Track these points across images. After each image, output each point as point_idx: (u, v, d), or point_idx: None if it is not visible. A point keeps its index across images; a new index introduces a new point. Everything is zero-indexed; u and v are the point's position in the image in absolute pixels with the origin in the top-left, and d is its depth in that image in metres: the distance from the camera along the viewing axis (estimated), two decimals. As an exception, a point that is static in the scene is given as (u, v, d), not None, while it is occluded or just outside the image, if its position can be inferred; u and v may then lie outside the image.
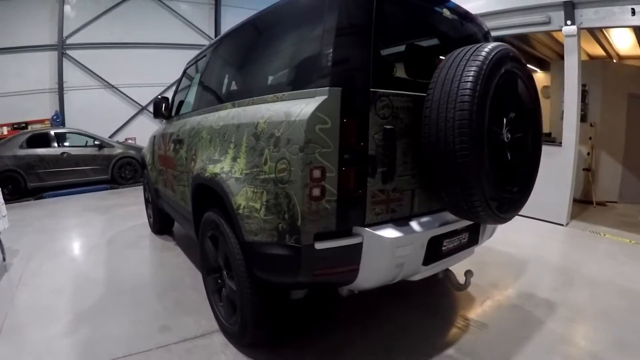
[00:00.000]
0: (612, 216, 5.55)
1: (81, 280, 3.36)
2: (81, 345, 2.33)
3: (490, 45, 1.78)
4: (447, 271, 2.46)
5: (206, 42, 12.43)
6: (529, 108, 2.00)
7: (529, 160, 2.06)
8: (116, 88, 11.21)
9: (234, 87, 2.64)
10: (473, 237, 2.26)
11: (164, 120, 3.92)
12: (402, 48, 1.96)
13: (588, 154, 6.26)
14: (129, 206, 6.32)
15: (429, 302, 2.83)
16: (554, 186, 4.82)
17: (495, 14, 5.13)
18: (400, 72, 1.93)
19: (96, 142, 8.50)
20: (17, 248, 4.16)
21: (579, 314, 2.70)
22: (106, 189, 8.33)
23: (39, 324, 2.61)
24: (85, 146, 8.42)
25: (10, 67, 9.87)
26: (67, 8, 10.52)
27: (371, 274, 1.77)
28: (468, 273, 2.52)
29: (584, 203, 6.10)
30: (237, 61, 2.75)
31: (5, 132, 9.52)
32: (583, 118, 6.53)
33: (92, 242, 4.52)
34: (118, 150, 8.69)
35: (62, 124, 10.28)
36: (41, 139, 7.99)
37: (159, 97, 3.75)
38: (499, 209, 1.84)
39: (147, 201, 4.80)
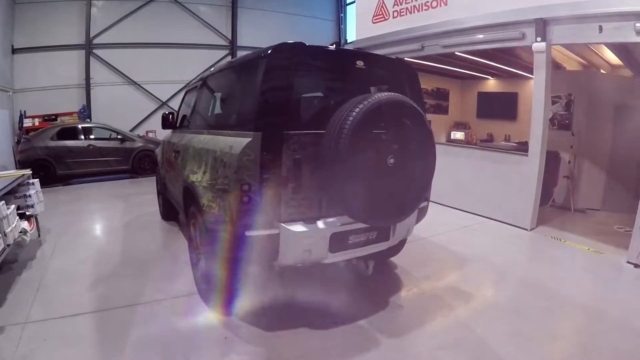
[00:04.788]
0: (586, 223, 5.45)
1: (101, 253, 4.11)
2: (98, 298, 3.09)
3: (371, 96, 2.33)
4: (358, 259, 2.98)
5: (223, 43, 13.14)
6: (419, 141, 2.52)
7: (415, 179, 2.57)
8: (139, 85, 12.06)
9: (208, 118, 3.46)
10: (383, 234, 2.74)
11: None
12: (311, 100, 2.72)
13: (569, 162, 6.56)
14: (145, 195, 7.03)
15: (366, 286, 3.28)
16: (519, 193, 5.11)
17: (475, 28, 5.44)
18: (309, 117, 2.60)
19: (119, 136, 9.32)
20: (49, 227, 4.92)
21: (490, 308, 2.97)
22: (126, 178, 9.17)
23: (67, 283, 3.35)
24: (109, 139, 9.23)
25: (41, 65, 10.81)
26: (94, 10, 11.38)
27: (287, 255, 2.42)
28: (370, 262, 3.08)
29: (565, 209, 6.31)
30: (210, 100, 3.60)
31: (37, 123, 10.37)
32: (567, 127, 6.83)
33: (112, 224, 5.29)
34: (138, 144, 9.49)
35: (89, 117, 11.16)
36: (70, 132, 8.86)
37: (166, 112, 4.52)
38: (373, 214, 2.42)
39: (158, 192, 5.54)
